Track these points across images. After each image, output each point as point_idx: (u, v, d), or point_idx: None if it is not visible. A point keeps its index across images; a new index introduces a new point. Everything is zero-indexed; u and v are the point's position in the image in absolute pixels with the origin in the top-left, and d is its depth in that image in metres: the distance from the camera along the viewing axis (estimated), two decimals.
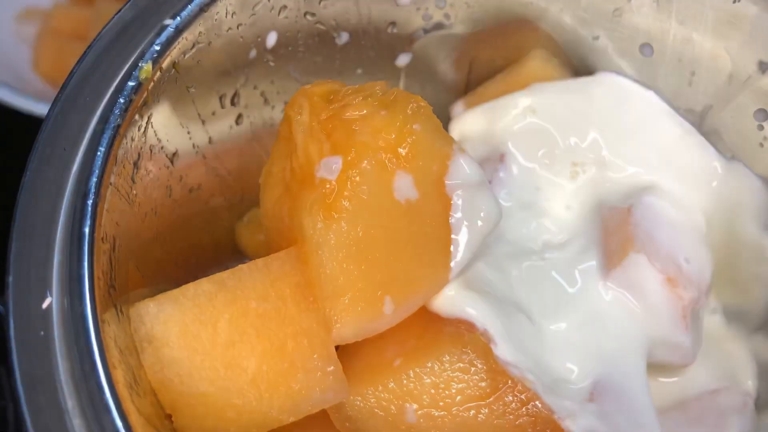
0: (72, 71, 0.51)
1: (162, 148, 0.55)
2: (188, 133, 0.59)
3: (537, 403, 0.49)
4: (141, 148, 0.52)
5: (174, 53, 0.53)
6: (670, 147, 0.65)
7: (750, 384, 0.62)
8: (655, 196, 0.62)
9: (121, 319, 0.47)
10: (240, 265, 0.49)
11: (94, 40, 0.52)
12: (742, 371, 0.62)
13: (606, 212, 0.60)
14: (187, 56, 0.55)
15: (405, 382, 0.49)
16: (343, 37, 0.67)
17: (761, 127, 0.63)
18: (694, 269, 0.60)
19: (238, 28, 0.58)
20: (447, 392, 0.49)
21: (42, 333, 0.43)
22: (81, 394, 0.42)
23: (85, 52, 0.51)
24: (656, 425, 0.53)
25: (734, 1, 0.61)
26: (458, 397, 0.49)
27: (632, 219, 0.58)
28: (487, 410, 0.49)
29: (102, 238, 0.46)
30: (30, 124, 0.91)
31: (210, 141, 0.63)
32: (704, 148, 0.65)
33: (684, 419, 0.58)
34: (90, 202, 0.46)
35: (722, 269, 0.63)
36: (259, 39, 0.61)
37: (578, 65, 0.73)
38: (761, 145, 0.64)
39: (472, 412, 0.49)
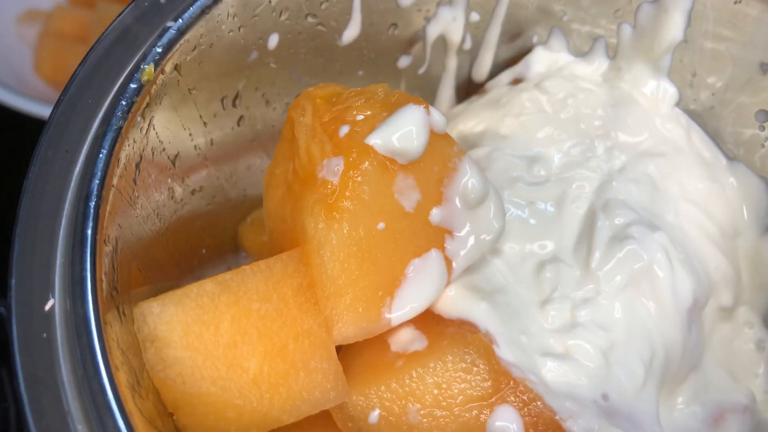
0: (74, 73, 0.51)
1: (164, 149, 0.55)
2: (190, 134, 0.59)
3: (539, 403, 0.49)
4: (143, 150, 0.52)
5: (176, 55, 0.53)
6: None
7: (756, 384, 0.62)
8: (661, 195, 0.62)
9: (123, 320, 0.47)
10: (242, 266, 0.50)
11: (96, 42, 0.52)
12: (747, 372, 0.62)
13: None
14: (188, 58, 0.55)
15: (407, 382, 0.49)
16: (345, 39, 0.67)
17: (762, 128, 0.63)
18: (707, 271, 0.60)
19: (239, 29, 0.59)
20: (449, 392, 0.49)
21: (44, 335, 0.43)
22: (83, 396, 0.42)
23: (87, 54, 0.51)
24: (657, 427, 0.54)
25: (735, 2, 0.61)
26: (460, 398, 0.49)
27: None
28: (489, 411, 0.49)
29: (104, 240, 0.46)
30: (32, 126, 0.91)
31: (212, 142, 0.63)
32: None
33: (685, 419, 0.58)
34: (92, 204, 0.46)
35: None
36: (260, 41, 0.61)
37: None
38: (762, 146, 0.64)
39: (474, 412, 0.49)
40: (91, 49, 0.52)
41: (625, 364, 0.54)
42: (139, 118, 0.50)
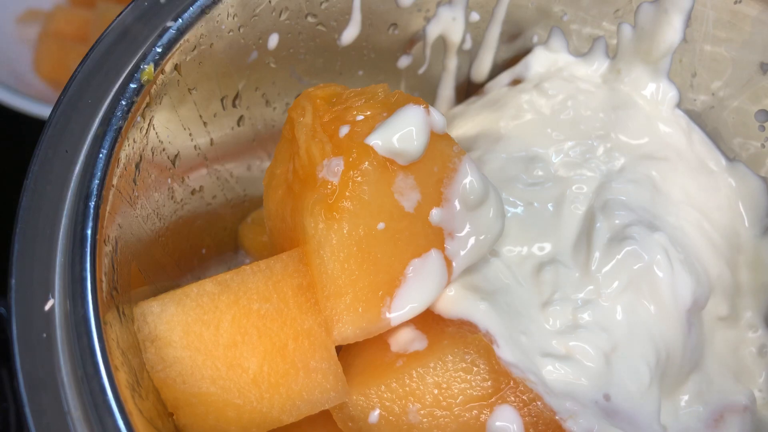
0: (74, 73, 0.51)
1: (164, 149, 0.55)
2: (190, 134, 0.59)
3: (539, 403, 0.49)
4: (143, 150, 0.52)
5: (176, 55, 0.53)
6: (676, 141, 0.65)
7: (757, 388, 0.62)
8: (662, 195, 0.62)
9: (123, 321, 0.47)
10: (243, 266, 0.50)
11: (96, 41, 0.52)
12: (748, 376, 0.62)
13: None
14: (188, 58, 0.55)
15: (407, 382, 0.49)
16: (345, 39, 0.67)
17: (762, 128, 0.63)
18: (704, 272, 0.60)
19: (239, 29, 0.59)
20: (449, 392, 0.49)
21: (44, 335, 0.43)
22: (83, 396, 0.42)
23: (87, 54, 0.51)
24: (658, 427, 0.54)
25: (735, 2, 0.61)
26: (460, 398, 0.49)
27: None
28: (489, 410, 0.49)
29: (104, 240, 0.46)
30: (31, 125, 0.91)
31: (212, 142, 0.63)
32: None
33: (688, 419, 0.58)
34: (92, 204, 0.46)
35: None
36: (260, 41, 0.61)
37: None
38: (763, 146, 0.64)
39: (474, 412, 0.49)
40: (91, 49, 0.52)
41: (629, 365, 0.54)
42: (139, 118, 0.51)
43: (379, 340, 0.52)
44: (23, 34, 1.10)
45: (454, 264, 0.52)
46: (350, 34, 0.67)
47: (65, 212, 0.47)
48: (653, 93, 0.66)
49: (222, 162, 0.66)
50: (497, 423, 0.48)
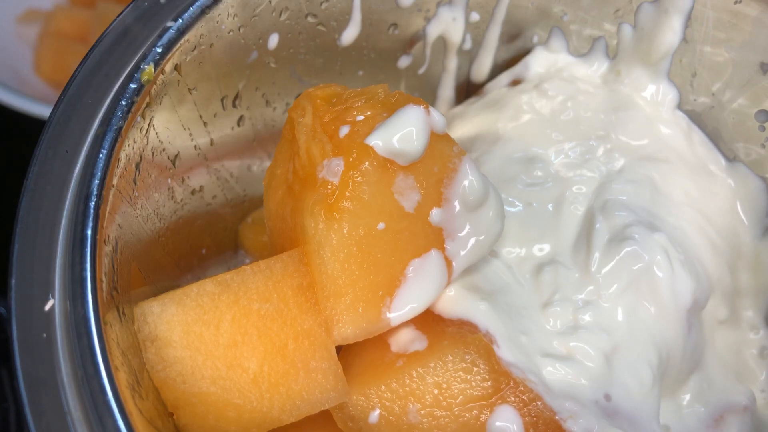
0: (74, 73, 0.51)
1: (164, 149, 0.55)
2: (190, 134, 0.59)
3: (539, 403, 0.49)
4: (143, 150, 0.52)
5: (176, 55, 0.53)
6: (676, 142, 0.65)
7: (757, 388, 0.62)
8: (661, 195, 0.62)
9: (123, 321, 0.47)
10: (243, 266, 0.50)
11: (96, 41, 0.52)
12: (749, 377, 0.62)
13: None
14: (188, 58, 0.55)
15: (408, 382, 0.49)
16: (345, 39, 0.67)
17: (762, 128, 0.63)
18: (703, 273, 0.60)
19: (239, 29, 0.59)
20: (449, 392, 0.49)
21: (44, 335, 0.43)
22: (83, 396, 0.42)
23: (87, 54, 0.52)
24: (657, 426, 0.54)
25: (735, 3, 0.61)
26: (460, 398, 0.49)
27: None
28: (489, 410, 0.49)
29: (104, 240, 0.46)
30: (32, 126, 0.91)
31: (212, 142, 0.63)
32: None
33: (689, 419, 0.58)
34: (92, 204, 0.46)
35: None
36: (260, 41, 0.61)
37: None
38: (763, 146, 0.64)
39: (475, 412, 0.49)
40: (91, 49, 0.52)
41: (630, 366, 0.54)
42: (139, 118, 0.51)
43: (379, 340, 0.52)
44: (23, 34, 1.10)
45: (454, 264, 0.52)
46: (350, 34, 0.67)
47: (65, 212, 0.47)
48: (653, 94, 0.66)
49: (222, 162, 0.66)
50: (497, 423, 0.48)
